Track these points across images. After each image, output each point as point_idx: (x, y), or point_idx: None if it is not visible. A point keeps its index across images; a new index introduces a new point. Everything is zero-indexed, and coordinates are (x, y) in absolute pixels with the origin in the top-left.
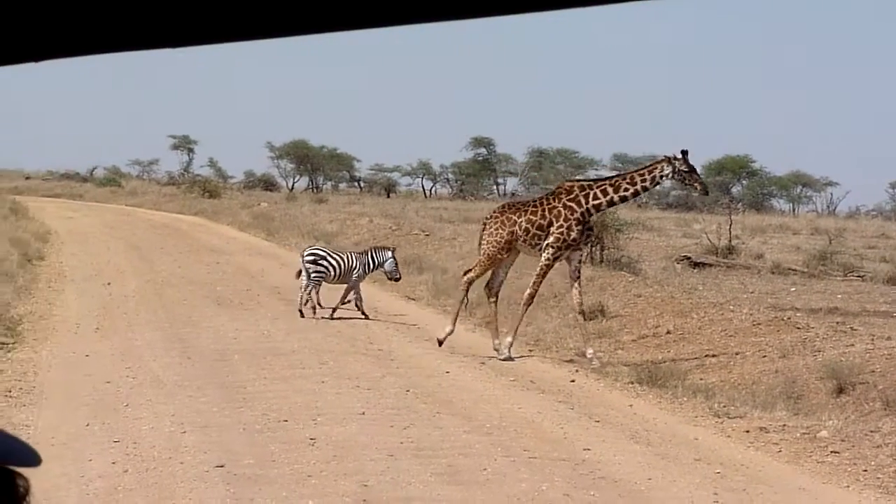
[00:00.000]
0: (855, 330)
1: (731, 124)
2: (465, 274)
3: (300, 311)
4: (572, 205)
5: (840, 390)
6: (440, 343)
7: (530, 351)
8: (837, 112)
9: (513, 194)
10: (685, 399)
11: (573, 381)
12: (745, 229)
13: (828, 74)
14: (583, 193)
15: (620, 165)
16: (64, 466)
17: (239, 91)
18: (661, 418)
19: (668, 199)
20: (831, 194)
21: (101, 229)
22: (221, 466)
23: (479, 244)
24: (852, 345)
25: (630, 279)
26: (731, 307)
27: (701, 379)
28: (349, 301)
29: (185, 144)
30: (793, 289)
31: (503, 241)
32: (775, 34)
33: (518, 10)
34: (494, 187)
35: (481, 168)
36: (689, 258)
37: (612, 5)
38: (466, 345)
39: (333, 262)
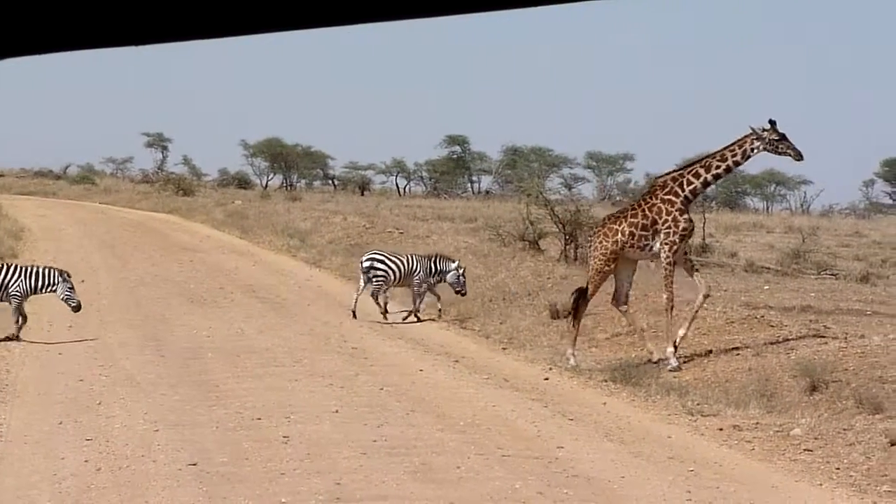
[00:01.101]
0: (828, 328)
1: (703, 122)
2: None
3: (353, 311)
4: (670, 197)
5: (813, 388)
6: (569, 364)
7: (504, 349)
8: (812, 111)
9: (487, 192)
10: (658, 397)
11: (547, 379)
12: (719, 227)
13: (801, 73)
14: (676, 184)
15: (594, 164)
16: (36, 464)
17: (213, 89)
18: (634, 416)
19: None
20: (805, 193)
21: (74, 227)
22: (194, 464)
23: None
24: (825, 343)
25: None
26: (705, 305)
27: (674, 377)
28: (419, 305)
29: (158, 142)
30: (766, 287)
31: (609, 251)
32: (746, 33)
33: (506, 6)
34: (469, 185)
35: (455, 166)
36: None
37: (591, 3)
38: (439, 343)
39: (392, 266)
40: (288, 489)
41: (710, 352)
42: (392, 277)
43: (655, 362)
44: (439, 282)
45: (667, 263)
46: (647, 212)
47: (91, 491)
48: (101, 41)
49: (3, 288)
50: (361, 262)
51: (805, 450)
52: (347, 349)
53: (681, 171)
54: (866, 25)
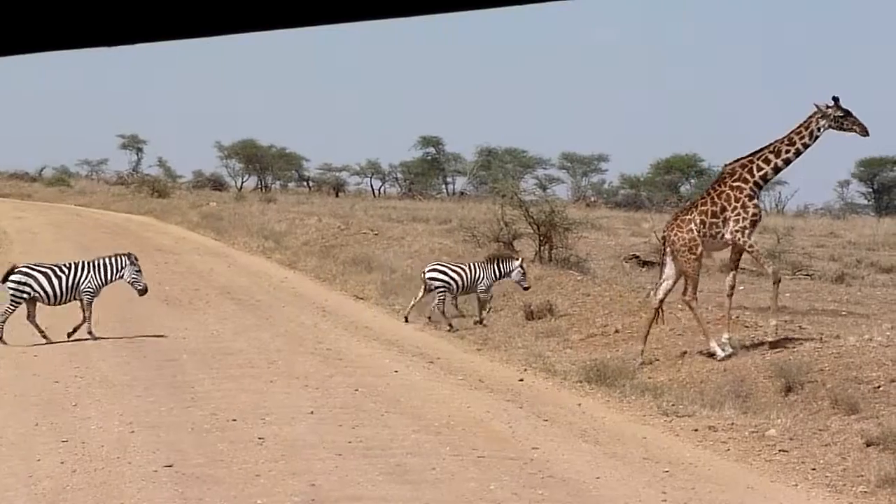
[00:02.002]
0: (803, 328)
1: (678, 123)
2: (688, 302)
3: (405, 317)
4: (739, 183)
5: (788, 389)
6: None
7: (479, 350)
8: (785, 111)
9: (462, 193)
10: (634, 398)
11: (521, 380)
12: None
13: (775, 74)
14: (745, 170)
15: (569, 164)
16: (12, 466)
17: (188, 90)
18: (609, 417)
19: (617, 199)
20: (780, 193)
21: (50, 229)
22: (170, 466)
23: (663, 259)
24: (801, 343)
25: (578, 278)
26: (680, 306)
27: (649, 378)
28: (485, 310)
29: (133, 144)
30: (741, 287)
31: (688, 240)
32: (720, 35)
33: (492, 5)
34: (443, 186)
35: (430, 167)
36: (637, 257)
37: (566, 2)
38: (415, 344)
39: (454, 276)
40: (263, 490)
41: (686, 352)
42: (455, 287)
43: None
44: (504, 279)
45: (748, 246)
46: (716, 199)
47: (66, 492)
48: (82, 41)
49: (74, 287)
50: (424, 273)
51: (780, 450)
52: (322, 350)
53: (750, 158)
54: (840, 25)
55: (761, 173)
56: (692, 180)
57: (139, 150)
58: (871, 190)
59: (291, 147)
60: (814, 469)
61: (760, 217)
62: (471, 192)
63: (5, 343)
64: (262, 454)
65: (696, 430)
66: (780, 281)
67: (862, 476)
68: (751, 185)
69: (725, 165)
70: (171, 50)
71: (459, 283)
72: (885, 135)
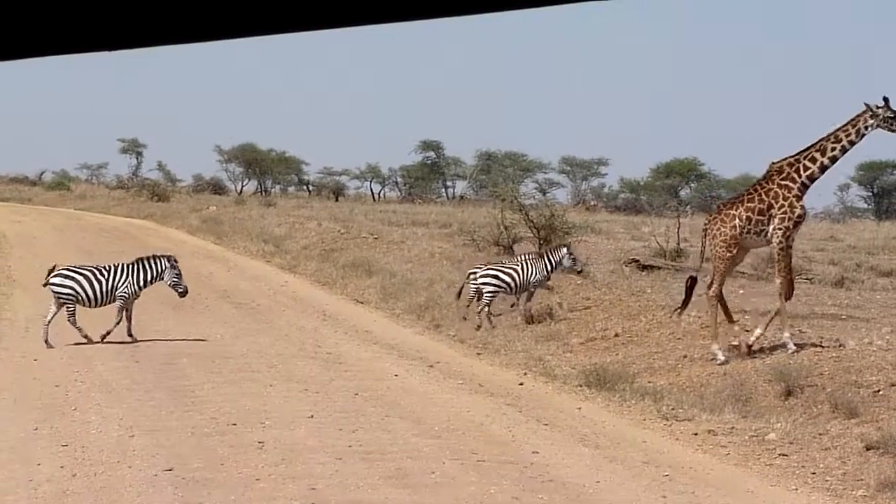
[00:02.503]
0: (803, 332)
1: (678, 127)
2: (710, 288)
3: (463, 317)
4: (787, 182)
5: (788, 393)
6: (724, 362)
7: (478, 354)
8: (786, 115)
9: (462, 197)
10: (633, 402)
11: (521, 384)
12: (694, 232)
13: (774, 77)
14: (793, 169)
15: (569, 168)
16: (12, 470)
17: (187, 94)
18: (609, 421)
19: (617, 202)
20: None
21: (50, 233)
22: (170, 470)
23: (702, 252)
24: (800, 347)
25: (578, 282)
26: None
27: (649, 382)
28: (529, 303)
29: (133, 148)
30: (741, 291)
31: (729, 237)
32: (721, 38)
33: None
34: (443, 190)
35: (430, 171)
36: (637, 261)
37: (566, 6)
38: (414, 348)
39: (507, 278)
40: (263, 495)
41: (685, 356)
42: (510, 288)
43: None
44: (558, 269)
45: (780, 248)
46: (763, 196)
47: (67, 497)
48: (83, 46)
49: (111, 292)
50: (475, 276)
51: (780, 454)
52: (322, 354)
53: (797, 157)
54: (838, 30)
55: (808, 172)
56: (692, 184)
57: (139, 154)
58: (870, 194)
59: (291, 151)
60: (813, 473)
61: (804, 219)
62: (471, 196)
63: (50, 346)
64: (262, 458)
65: (695, 434)
66: (783, 295)
67: (862, 480)
68: (798, 184)
69: (773, 163)
70: (170, 54)
71: (513, 284)
72: (885, 139)
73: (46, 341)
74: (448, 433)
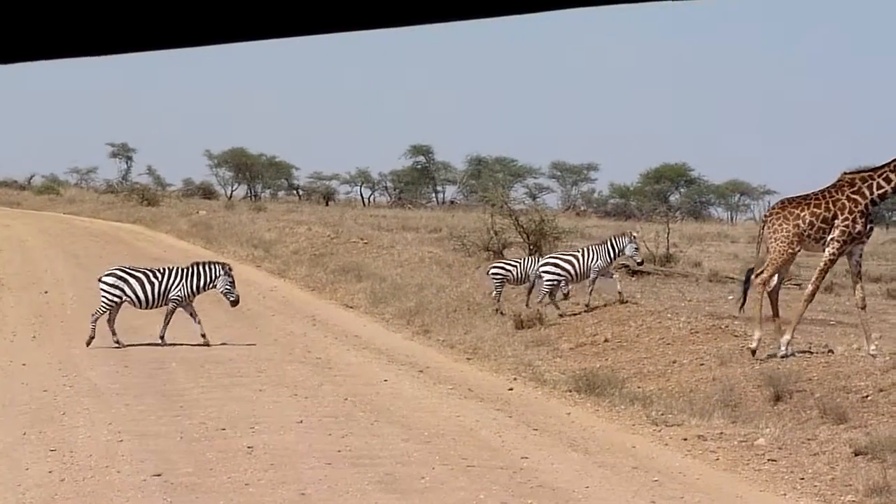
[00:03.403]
0: (793, 338)
1: (668, 133)
2: (758, 276)
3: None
4: (856, 197)
5: (777, 398)
6: (753, 353)
7: (468, 359)
8: (774, 120)
9: (451, 202)
10: (623, 407)
11: (511, 389)
12: (683, 237)
13: (763, 82)
14: (865, 185)
15: (559, 174)
16: (0, 475)
17: (177, 99)
18: (598, 426)
19: (607, 208)
20: (769, 202)
21: (39, 237)
22: (159, 475)
23: (759, 243)
24: (790, 353)
25: (569, 287)
26: (669, 315)
27: (639, 387)
28: (592, 290)
29: (123, 152)
30: (731, 297)
31: (791, 234)
32: (710, 44)
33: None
34: (433, 195)
35: (420, 176)
36: (627, 266)
37: (555, 12)
38: (404, 353)
39: (567, 265)
40: (252, 500)
41: (675, 362)
42: (570, 276)
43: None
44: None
45: (829, 259)
46: (830, 205)
47: (55, 501)
48: (74, 51)
49: (163, 294)
50: (539, 267)
51: (769, 460)
52: (312, 359)
53: (870, 173)
54: (826, 32)
55: (880, 192)
56: (682, 190)
57: (129, 158)
58: None
59: (281, 156)
60: (802, 478)
61: (862, 239)
62: (461, 201)
63: (90, 341)
64: (252, 463)
65: (685, 440)
66: (809, 302)
67: (850, 485)
68: (867, 201)
69: (845, 173)
70: (160, 59)
71: (572, 272)
72: (872, 144)
73: (92, 337)
74: (437, 438)
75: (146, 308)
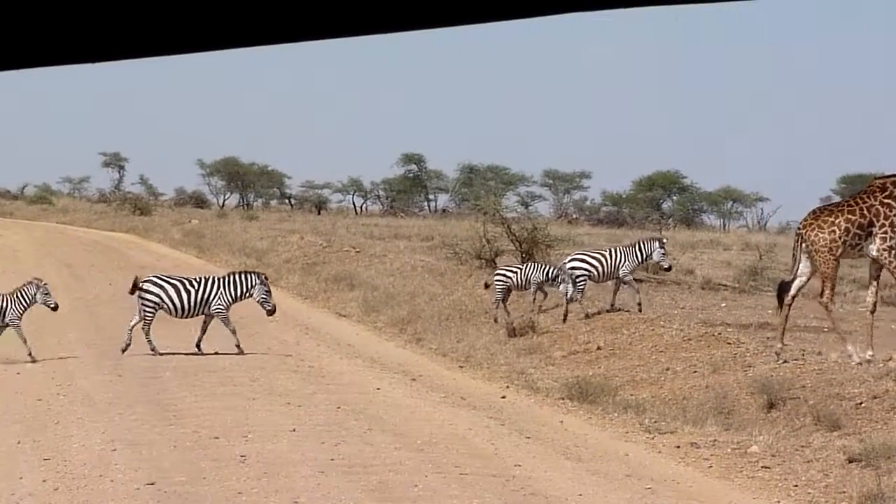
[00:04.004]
0: (786, 345)
1: (660, 140)
2: (822, 295)
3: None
4: (889, 201)
5: (771, 405)
6: (860, 363)
7: (461, 367)
8: (768, 127)
9: (443, 211)
10: (616, 415)
11: (504, 397)
12: (676, 245)
13: (755, 90)
14: None
15: (551, 182)
16: None
17: (169, 108)
18: (591, 434)
19: (599, 216)
20: (762, 210)
21: (32, 247)
22: (152, 484)
23: (793, 256)
24: (783, 360)
25: (560, 294)
26: (662, 323)
27: (632, 395)
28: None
29: (115, 162)
30: (723, 304)
31: (829, 240)
32: (702, 52)
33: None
34: (425, 204)
35: (412, 184)
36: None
37: (547, 19)
38: (397, 361)
39: (594, 262)
40: None
41: (668, 369)
42: (596, 274)
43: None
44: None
45: (892, 268)
46: (864, 212)
47: None
48: (67, 58)
49: (203, 302)
50: (564, 264)
51: (763, 467)
52: (304, 368)
53: None
54: (823, 41)
55: None
56: (674, 197)
57: (121, 168)
58: None
59: (273, 165)
60: (796, 486)
61: None
62: (453, 210)
63: (125, 348)
64: (245, 472)
65: (678, 447)
66: (874, 311)
67: (844, 492)
68: None
69: (875, 178)
70: (152, 68)
71: (600, 269)
72: (866, 151)
73: (152, 348)
74: (430, 446)
75: (182, 317)
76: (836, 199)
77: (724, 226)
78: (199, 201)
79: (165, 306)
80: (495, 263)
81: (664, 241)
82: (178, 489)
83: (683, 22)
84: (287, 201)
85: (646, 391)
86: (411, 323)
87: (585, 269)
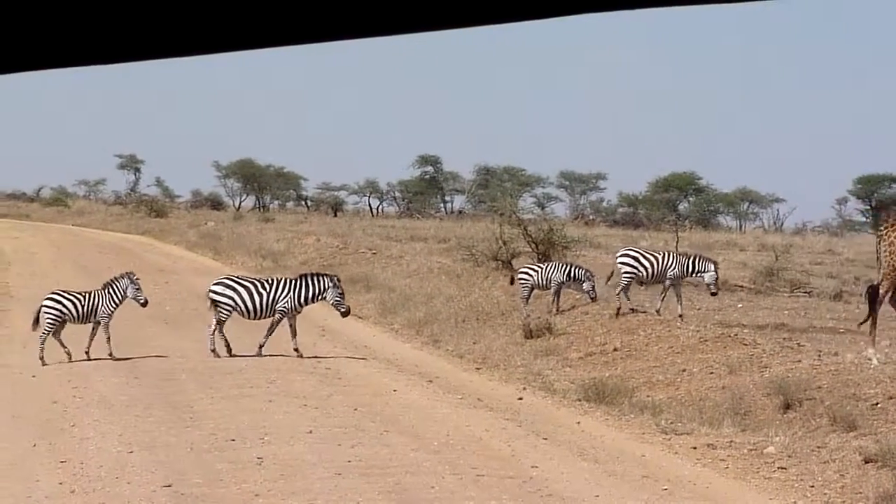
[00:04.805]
0: (802, 346)
1: (676, 141)
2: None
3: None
4: None
5: (787, 406)
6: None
7: (477, 369)
8: (785, 128)
9: (460, 212)
10: (632, 416)
11: (521, 398)
12: (692, 246)
13: (773, 91)
14: None
15: (567, 183)
16: (11, 487)
17: (185, 110)
18: (608, 435)
19: (615, 217)
20: (778, 210)
21: (48, 249)
22: (169, 486)
23: (877, 259)
24: (799, 361)
25: (577, 296)
26: (678, 324)
27: (648, 396)
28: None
29: (131, 164)
30: (740, 305)
31: None
32: (718, 53)
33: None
34: (441, 205)
35: (428, 186)
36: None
37: (563, 20)
38: (413, 363)
39: (646, 263)
40: None
41: (684, 370)
42: (644, 274)
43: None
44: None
45: None
46: None
47: None
48: (82, 59)
49: (271, 305)
50: (616, 256)
51: (779, 468)
52: (321, 370)
53: None
54: (837, 43)
55: None
56: (690, 198)
57: (137, 170)
58: (868, 207)
59: (289, 166)
60: (812, 486)
61: None
62: (469, 211)
63: (217, 356)
64: (261, 474)
65: (694, 448)
66: None
67: (860, 493)
68: None
69: None
70: (168, 70)
71: (650, 270)
72: (883, 152)
73: (213, 350)
74: (447, 448)
75: (253, 318)
76: (853, 200)
77: (741, 227)
78: (215, 203)
79: (238, 308)
80: (511, 265)
81: (718, 265)
82: (195, 491)
83: (700, 22)
84: (303, 203)
85: (662, 392)
86: (428, 325)
87: (634, 268)
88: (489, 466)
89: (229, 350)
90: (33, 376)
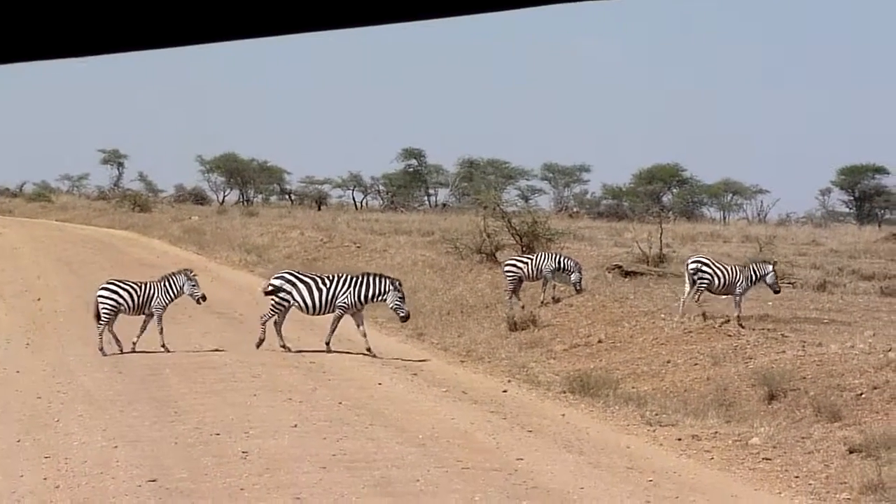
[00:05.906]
0: (786, 337)
1: (660, 133)
2: None
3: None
4: None
5: (771, 397)
6: None
7: (462, 362)
8: (768, 118)
9: (444, 205)
10: (617, 408)
11: (505, 391)
12: (676, 237)
13: (757, 81)
14: None
15: (551, 175)
16: None
17: (168, 104)
18: (593, 427)
19: (600, 209)
20: (762, 202)
21: (31, 245)
22: (153, 481)
23: None
24: (783, 352)
25: (561, 288)
26: (663, 315)
27: (633, 387)
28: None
29: (114, 159)
30: (724, 297)
31: None
32: (702, 42)
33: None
34: (425, 198)
35: (412, 179)
36: (620, 267)
37: (546, 9)
38: (398, 356)
39: (718, 272)
40: None
41: (669, 362)
42: (716, 283)
43: None
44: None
45: None
46: None
47: None
48: (66, 51)
49: (330, 301)
50: (687, 265)
51: (764, 458)
52: (306, 364)
53: None
54: (821, 34)
55: None
56: (674, 190)
57: (120, 164)
58: (852, 198)
59: (273, 160)
60: (797, 477)
61: None
62: (453, 204)
63: (260, 343)
64: (247, 468)
65: (679, 440)
66: None
67: (845, 483)
68: None
69: None
70: (151, 63)
71: (721, 280)
72: (865, 142)
73: (284, 346)
74: (432, 441)
75: (312, 314)
76: (836, 191)
77: (724, 218)
78: (199, 198)
79: (296, 303)
80: (496, 258)
81: (776, 265)
82: (180, 486)
83: (684, 13)
84: (287, 197)
85: (647, 384)
86: (412, 318)
87: (709, 275)
88: (474, 459)
89: (285, 345)
90: (18, 372)
